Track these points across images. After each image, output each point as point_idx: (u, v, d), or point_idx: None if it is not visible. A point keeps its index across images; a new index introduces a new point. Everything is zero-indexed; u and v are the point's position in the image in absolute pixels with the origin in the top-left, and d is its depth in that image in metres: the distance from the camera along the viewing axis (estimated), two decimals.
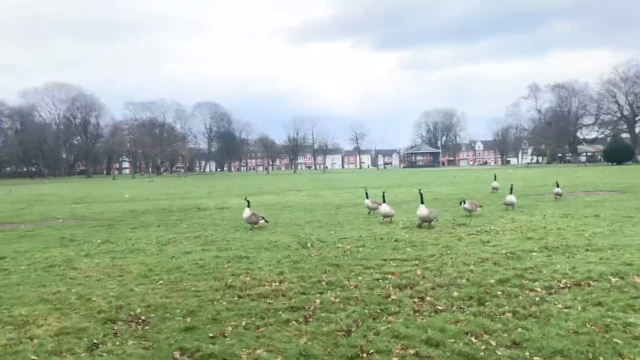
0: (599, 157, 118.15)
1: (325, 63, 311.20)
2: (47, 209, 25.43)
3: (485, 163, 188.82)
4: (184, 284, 8.13)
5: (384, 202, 15.17)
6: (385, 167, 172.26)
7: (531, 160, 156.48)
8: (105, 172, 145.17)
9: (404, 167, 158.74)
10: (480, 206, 16.66)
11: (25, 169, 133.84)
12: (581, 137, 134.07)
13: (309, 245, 11.31)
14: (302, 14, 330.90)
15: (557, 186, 21.23)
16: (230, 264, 9.51)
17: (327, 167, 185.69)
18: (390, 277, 8.11)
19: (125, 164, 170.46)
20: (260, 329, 5.94)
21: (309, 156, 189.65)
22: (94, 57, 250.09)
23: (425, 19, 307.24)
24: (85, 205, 27.53)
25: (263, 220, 14.31)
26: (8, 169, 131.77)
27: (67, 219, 19.91)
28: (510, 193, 17.48)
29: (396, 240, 11.57)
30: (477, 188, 31.80)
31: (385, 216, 15.14)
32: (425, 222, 13.86)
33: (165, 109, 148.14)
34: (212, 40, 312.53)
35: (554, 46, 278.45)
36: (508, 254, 9.51)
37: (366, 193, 18.95)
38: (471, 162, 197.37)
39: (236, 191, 37.00)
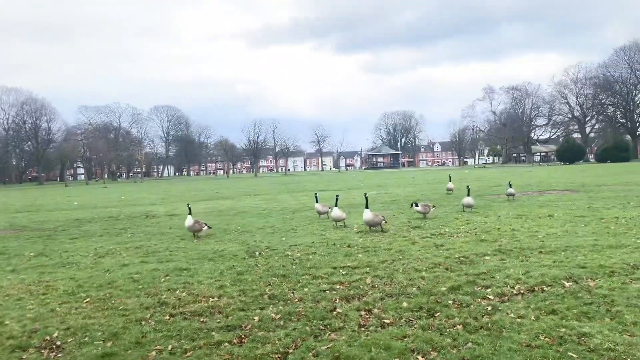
0: (552, 156, 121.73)
1: (286, 66, 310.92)
2: None
3: (444, 164, 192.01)
4: (113, 301, 7.42)
5: (336, 205, 14.72)
6: (347, 169, 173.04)
7: (487, 160, 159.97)
8: (58, 178, 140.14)
9: (365, 168, 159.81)
10: (433, 206, 16.42)
11: None
12: (535, 137, 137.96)
13: (257, 254, 10.71)
14: (262, 17, 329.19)
15: (510, 186, 21.28)
16: (167, 277, 8.82)
17: (289, 170, 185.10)
18: (338, 287, 7.62)
19: (80, 170, 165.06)
20: (188, 353, 5.33)
21: (270, 159, 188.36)
22: (46, 59, 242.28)
23: (382, 23, 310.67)
24: (27, 214, 26.05)
25: (206, 227, 13.62)
26: None
27: (4, 229, 18.64)
28: (468, 195, 17.27)
29: (349, 246, 11.12)
30: (434, 189, 31.83)
31: (337, 220, 14.70)
32: (373, 226, 13.55)
33: (120, 113, 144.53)
34: (171, 42, 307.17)
35: (508, 49, 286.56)
36: (461, 258, 9.18)
37: (316, 197, 18.41)
38: (430, 163, 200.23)
39: (191, 197, 35.93)
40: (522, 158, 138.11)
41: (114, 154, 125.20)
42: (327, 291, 7.43)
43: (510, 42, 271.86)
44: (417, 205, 15.73)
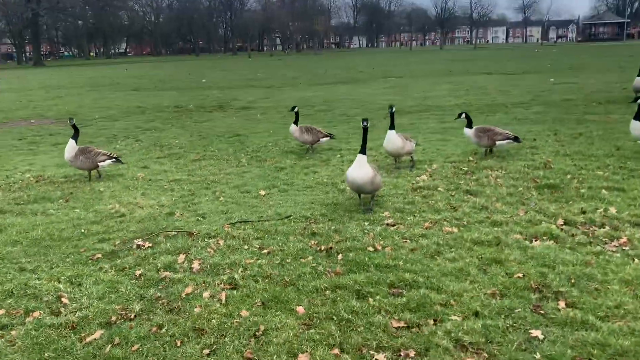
0: None
1: None
2: (70, 101, 22.74)
3: None
4: None
5: (392, 127, 8.34)
6: (555, 42, 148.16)
7: None
8: (258, 49, 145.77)
9: (579, 41, 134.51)
10: None
11: (187, 45, 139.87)
12: None
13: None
14: None
15: None
16: None
17: (487, 42, 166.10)
18: None
19: (276, 42, 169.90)
20: None
21: (466, 29, 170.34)
22: None
23: None
24: (123, 95, 24.47)
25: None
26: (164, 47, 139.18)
27: (52, 119, 16.71)
28: None
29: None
30: None
31: (392, 155, 8.81)
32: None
33: None
34: None
35: None
36: None
37: (296, 114, 10.41)
38: None
39: (317, 78, 31.33)
40: None
41: (298, 24, 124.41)
42: None
43: None
44: None
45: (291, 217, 6.42)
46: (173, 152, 11.11)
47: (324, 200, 7.13)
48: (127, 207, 7.11)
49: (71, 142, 8.56)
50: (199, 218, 6.55)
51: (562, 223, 5.89)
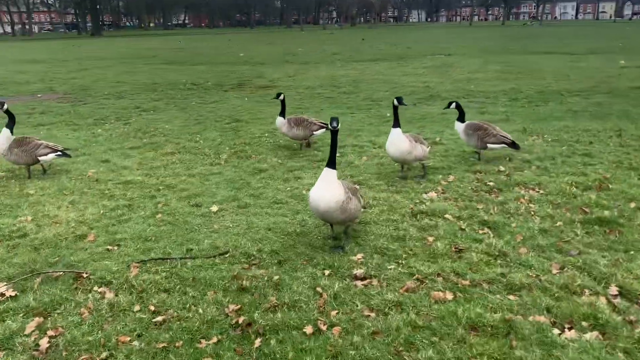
0: None
1: None
2: (92, 74, 21.66)
3: None
4: None
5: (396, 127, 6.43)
6: (631, 19, 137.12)
7: None
8: (314, 22, 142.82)
9: None
10: None
11: (243, 18, 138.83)
12: None
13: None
14: None
15: None
16: None
17: (555, 18, 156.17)
18: None
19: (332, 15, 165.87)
20: None
21: (532, 4, 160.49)
22: None
23: None
24: (149, 69, 23.24)
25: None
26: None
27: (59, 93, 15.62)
28: None
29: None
30: None
31: (396, 160, 6.87)
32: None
33: None
34: None
35: None
36: None
37: (282, 103, 8.36)
38: None
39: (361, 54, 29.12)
40: None
41: None
42: None
43: None
44: None
45: (228, 255, 4.68)
46: (153, 140, 9.55)
47: (286, 226, 5.33)
48: (38, 223, 5.56)
49: (5, 131, 7.08)
50: (110, 247, 4.91)
51: (616, 293, 3.87)
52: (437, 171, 7.10)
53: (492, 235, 4.97)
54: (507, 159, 7.56)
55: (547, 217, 5.37)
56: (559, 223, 5.19)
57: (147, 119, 11.82)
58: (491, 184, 6.46)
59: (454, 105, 7.39)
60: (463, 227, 5.18)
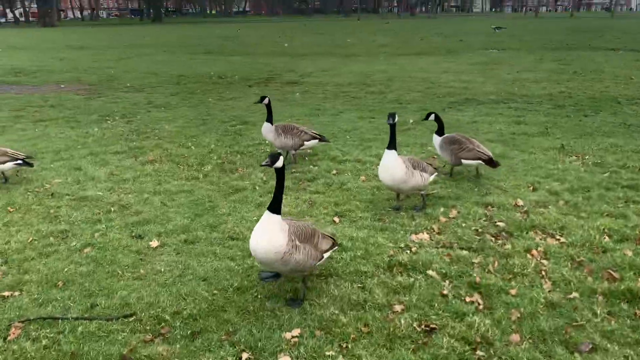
0: None
1: None
2: (126, 64, 21.35)
3: None
4: None
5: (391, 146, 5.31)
6: None
7: None
8: (373, 11, 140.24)
9: None
10: None
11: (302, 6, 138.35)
12: None
13: None
14: None
15: None
16: None
17: (630, 9, 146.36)
18: None
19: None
20: None
21: None
22: None
23: None
24: (185, 59, 22.74)
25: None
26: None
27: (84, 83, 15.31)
28: None
29: None
30: None
31: (390, 190, 5.80)
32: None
33: None
34: None
35: None
36: None
37: (267, 108, 7.33)
38: None
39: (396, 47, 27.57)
40: None
41: None
42: None
43: None
44: None
45: (133, 319, 3.74)
46: (143, 144, 8.76)
47: (226, 275, 4.33)
48: None
49: None
50: (6, 294, 4.08)
51: None
52: (440, 201, 5.89)
53: (480, 307, 3.80)
54: (531, 188, 6.24)
55: (561, 282, 4.12)
56: (574, 294, 3.94)
57: (152, 117, 11.11)
58: (501, 224, 5.21)
59: (432, 116, 6.57)
60: (445, 291, 4.02)
